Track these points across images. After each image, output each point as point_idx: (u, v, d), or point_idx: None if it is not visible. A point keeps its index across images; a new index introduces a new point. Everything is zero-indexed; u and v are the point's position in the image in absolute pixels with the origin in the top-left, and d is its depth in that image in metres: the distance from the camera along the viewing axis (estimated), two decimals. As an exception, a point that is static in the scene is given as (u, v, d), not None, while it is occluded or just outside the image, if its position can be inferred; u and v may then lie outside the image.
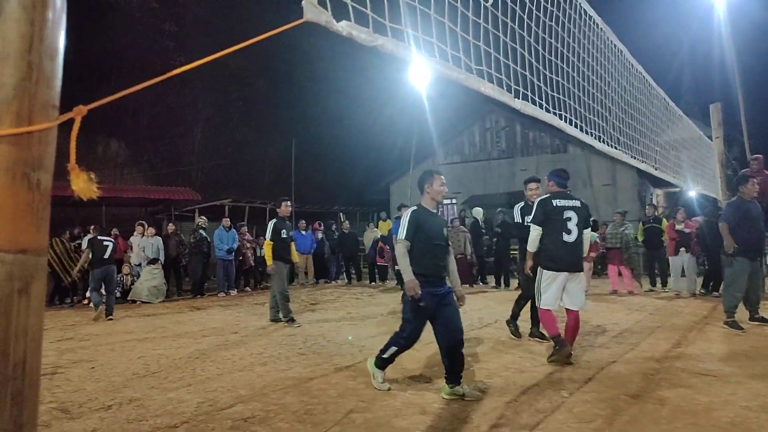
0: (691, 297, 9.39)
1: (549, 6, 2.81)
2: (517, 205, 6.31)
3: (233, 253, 11.96)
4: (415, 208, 4.29)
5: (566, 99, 3.18)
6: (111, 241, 9.00)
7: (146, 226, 11.67)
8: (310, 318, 8.28)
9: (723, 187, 8.68)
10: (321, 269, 14.31)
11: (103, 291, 8.86)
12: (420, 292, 4.00)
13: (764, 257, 6.54)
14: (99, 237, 8.87)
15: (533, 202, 5.51)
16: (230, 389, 4.45)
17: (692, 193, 10.63)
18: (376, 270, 13.75)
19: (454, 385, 4.11)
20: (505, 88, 2.41)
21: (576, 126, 3.33)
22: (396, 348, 4.27)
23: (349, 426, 3.57)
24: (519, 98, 2.51)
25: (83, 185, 1.09)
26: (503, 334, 6.50)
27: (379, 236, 13.79)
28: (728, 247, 6.12)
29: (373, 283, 13.56)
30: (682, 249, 9.58)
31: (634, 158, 4.65)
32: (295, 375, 4.85)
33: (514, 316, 6.38)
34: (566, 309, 5.12)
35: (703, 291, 9.63)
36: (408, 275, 4.05)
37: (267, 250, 7.62)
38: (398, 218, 11.43)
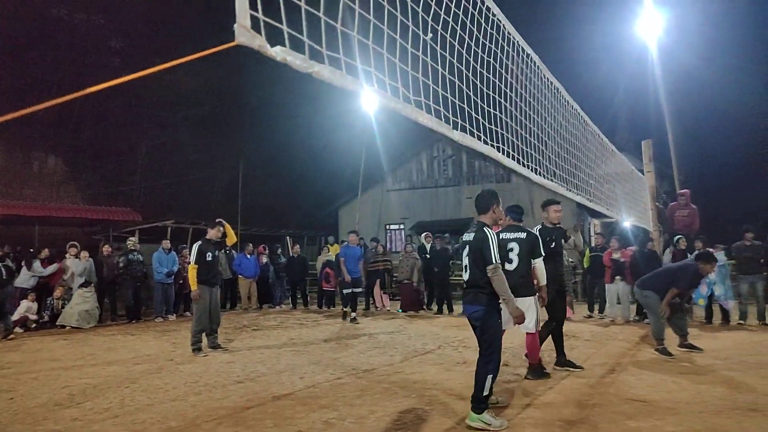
0: (625, 323, 9.73)
1: (488, 43, 2.92)
2: (536, 228, 6.10)
3: (173, 277, 11.56)
4: (486, 226, 4.18)
5: (504, 132, 3.29)
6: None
7: (79, 247, 11.12)
8: (250, 344, 8.07)
9: (654, 219, 9.12)
10: (265, 294, 14.00)
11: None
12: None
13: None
14: None
15: (553, 225, 5.87)
16: (160, 420, 4.25)
17: (627, 223, 11.09)
18: (323, 296, 13.58)
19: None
20: (443, 119, 2.46)
21: (513, 158, 3.44)
22: (491, 376, 4.06)
23: (284, 458, 3.47)
24: (458, 130, 2.58)
25: None
26: (445, 360, 6.52)
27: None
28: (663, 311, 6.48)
29: (323, 308, 13.37)
30: (618, 277, 9.95)
31: (570, 190, 4.83)
32: (230, 404, 4.69)
33: (559, 351, 6.08)
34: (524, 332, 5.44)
35: (637, 318, 10.00)
36: (514, 302, 4.07)
37: (191, 274, 7.37)
38: (347, 245, 11.34)
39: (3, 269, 8.52)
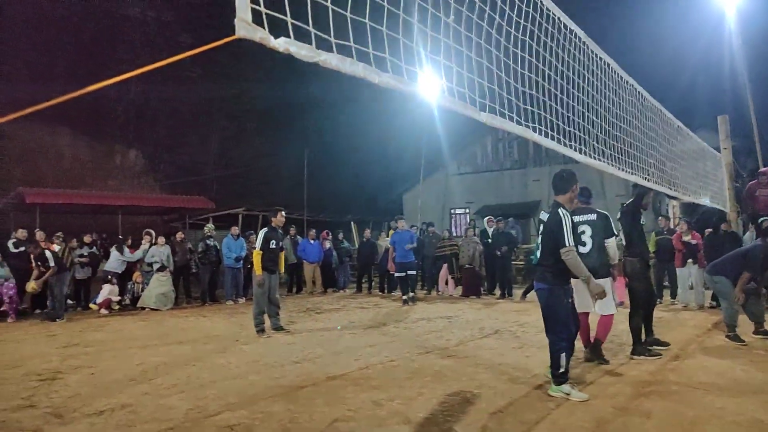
0: (698, 309, 9.24)
1: (522, 21, 2.84)
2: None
3: (241, 261, 12.08)
4: (562, 207, 4.26)
5: (542, 112, 3.20)
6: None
7: (153, 234, 11.84)
8: (311, 326, 8.33)
9: (731, 199, 8.55)
10: (329, 278, 14.36)
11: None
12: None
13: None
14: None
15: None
16: (221, 396, 4.51)
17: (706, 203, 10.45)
18: (386, 279, 13.75)
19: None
20: (468, 101, 2.44)
21: (552, 138, 3.34)
22: (564, 354, 4.24)
23: (331, 435, 3.59)
24: (486, 111, 2.54)
25: None
26: (501, 345, 6.47)
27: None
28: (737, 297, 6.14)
29: (385, 293, 13.54)
30: (690, 260, 9.44)
31: (622, 170, 4.63)
32: (286, 383, 4.89)
33: (646, 333, 6.03)
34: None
35: (713, 303, 9.46)
36: (593, 280, 4.18)
37: (256, 260, 7.60)
38: (396, 231, 11.43)
39: (56, 255, 9.28)
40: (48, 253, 9.35)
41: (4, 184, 20.27)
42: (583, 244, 5.26)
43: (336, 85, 29.91)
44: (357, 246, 15.50)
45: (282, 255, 8.13)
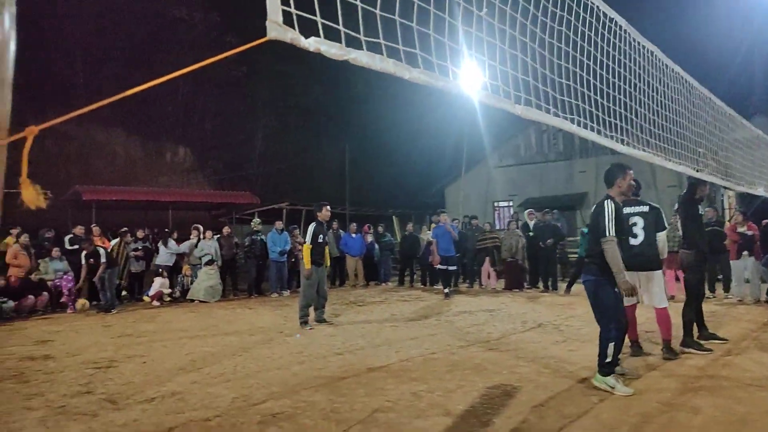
0: (754, 304, 8.86)
1: (557, 10, 2.79)
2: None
3: (285, 255, 12.32)
4: (609, 200, 4.30)
5: (580, 102, 3.13)
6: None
7: (201, 229, 12.23)
8: (354, 319, 8.44)
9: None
10: (371, 271, 14.48)
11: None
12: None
13: None
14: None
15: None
16: (265, 386, 4.64)
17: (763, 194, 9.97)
18: (428, 272, 13.76)
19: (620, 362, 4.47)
20: (502, 94, 2.42)
21: (591, 129, 3.27)
22: (613, 343, 4.24)
23: (371, 425, 3.66)
24: (521, 104, 2.52)
25: (32, 196, 1.25)
26: (544, 339, 6.40)
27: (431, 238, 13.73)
28: None
29: (427, 285, 13.56)
30: (745, 253, 9.06)
31: (669, 160, 4.49)
32: (328, 374, 5.00)
33: (699, 328, 5.95)
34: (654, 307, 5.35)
35: (770, 297, 9.07)
36: (624, 275, 4.13)
37: (306, 254, 7.78)
38: (438, 224, 11.42)
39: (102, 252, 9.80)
40: (101, 250, 9.81)
41: (63, 182, 21.31)
42: (635, 236, 5.22)
43: (376, 80, 30.04)
44: (399, 239, 15.56)
45: (327, 249, 8.26)
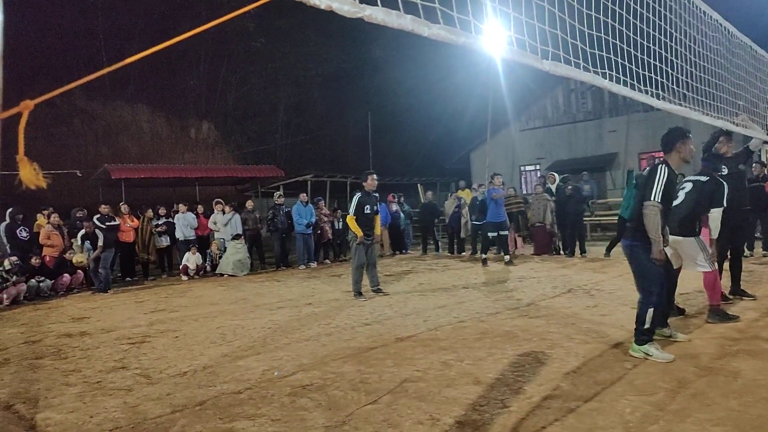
0: (796, 263, 8.56)
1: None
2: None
3: (311, 227, 12.34)
4: (663, 165, 4.15)
5: (611, 55, 2.94)
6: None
7: (224, 203, 12.29)
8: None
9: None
10: (397, 241, 14.43)
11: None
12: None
13: None
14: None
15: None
16: (294, 358, 4.66)
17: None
18: (455, 240, 13.65)
19: (661, 327, 4.44)
20: (528, 49, 2.26)
21: (625, 83, 3.08)
22: (652, 309, 4.12)
23: (400, 395, 3.63)
24: (548, 59, 2.36)
25: (29, 175, 1.18)
26: (575, 304, 6.29)
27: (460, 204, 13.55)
28: None
29: (454, 254, 13.47)
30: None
31: (707, 114, 4.25)
32: (356, 345, 4.99)
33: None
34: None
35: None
36: (659, 244, 4.04)
37: (352, 224, 7.61)
38: (493, 188, 11.03)
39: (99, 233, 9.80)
40: (99, 233, 9.83)
41: (92, 161, 21.69)
42: (677, 197, 4.95)
43: (396, 41, 29.49)
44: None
45: (377, 218, 7.98)
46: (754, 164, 8.64)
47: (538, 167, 23.53)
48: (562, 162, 21.84)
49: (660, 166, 4.14)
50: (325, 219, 13.07)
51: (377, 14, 1.67)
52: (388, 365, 4.30)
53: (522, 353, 4.40)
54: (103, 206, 10.28)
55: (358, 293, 7.60)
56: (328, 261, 13.19)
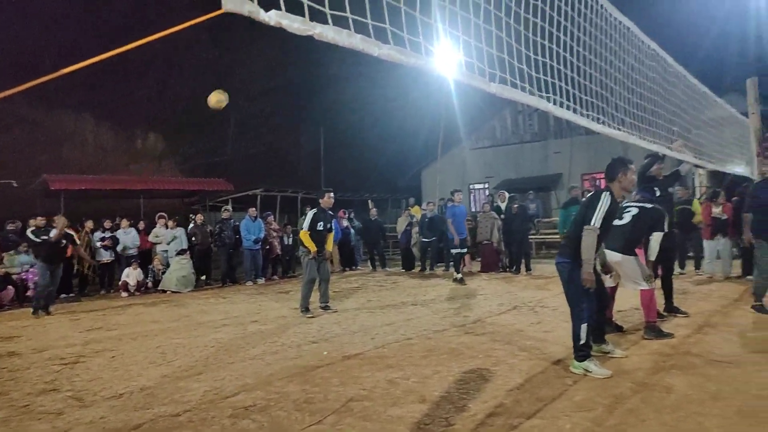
0: (725, 280, 9.03)
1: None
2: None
3: (260, 243, 12.13)
4: (607, 192, 4.28)
5: (555, 80, 3.05)
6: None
7: (167, 217, 11.93)
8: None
9: (759, 167, 8.26)
10: (347, 257, 14.36)
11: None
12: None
13: None
14: None
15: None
16: (237, 377, 4.53)
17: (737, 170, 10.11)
18: (406, 257, 13.70)
19: (599, 343, 4.58)
20: (477, 72, 2.32)
21: (567, 108, 3.20)
22: (585, 324, 4.22)
23: (346, 414, 3.58)
24: (496, 82, 2.42)
25: None
26: (519, 321, 6.40)
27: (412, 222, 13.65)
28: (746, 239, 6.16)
29: (404, 270, 13.50)
30: (719, 234, 9.22)
31: (643, 139, 4.46)
32: (302, 363, 4.90)
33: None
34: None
35: (749, 277, 9.21)
36: (590, 266, 4.14)
37: (305, 239, 7.51)
38: (453, 205, 10.94)
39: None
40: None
41: (31, 171, 20.63)
42: (621, 219, 5.20)
43: (351, 60, 29.65)
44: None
45: (330, 236, 7.93)
46: (677, 188, 9.14)
47: (486, 186, 24.06)
48: (510, 181, 22.39)
49: (604, 193, 4.29)
50: (275, 234, 12.89)
51: (327, 32, 1.67)
52: (334, 384, 4.24)
53: (467, 370, 4.43)
54: (38, 219, 9.70)
55: (306, 309, 7.49)
56: (276, 277, 12.99)
